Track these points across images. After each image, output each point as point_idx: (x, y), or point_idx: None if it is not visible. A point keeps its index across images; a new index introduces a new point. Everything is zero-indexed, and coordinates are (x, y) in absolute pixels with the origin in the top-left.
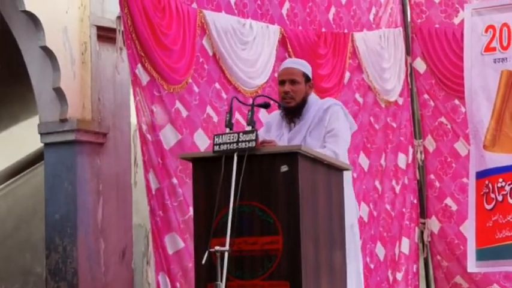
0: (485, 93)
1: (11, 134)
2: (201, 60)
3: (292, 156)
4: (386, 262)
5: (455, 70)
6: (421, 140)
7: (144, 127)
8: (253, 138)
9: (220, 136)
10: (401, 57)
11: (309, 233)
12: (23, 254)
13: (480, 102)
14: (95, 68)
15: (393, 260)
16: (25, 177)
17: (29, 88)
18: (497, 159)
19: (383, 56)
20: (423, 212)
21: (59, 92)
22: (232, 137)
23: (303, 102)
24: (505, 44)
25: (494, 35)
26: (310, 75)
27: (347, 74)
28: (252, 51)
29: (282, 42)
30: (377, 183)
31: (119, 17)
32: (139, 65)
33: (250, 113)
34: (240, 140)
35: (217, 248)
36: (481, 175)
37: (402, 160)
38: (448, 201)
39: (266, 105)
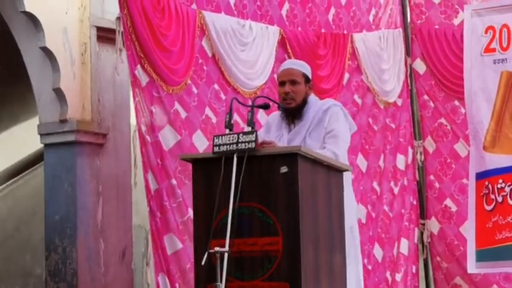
0: (485, 94)
1: (11, 134)
2: (200, 61)
3: (291, 157)
4: (384, 263)
5: (455, 71)
6: (421, 141)
7: (144, 128)
8: (253, 139)
9: (220, 137)
10: (401, 58)
11: (308, 234)
12: (23, 255)
13: (480, 103)
14: (95, 69)
15: (392, 261)
16: (25, 178)
17: (28, 89)
18: (497, 160)
19: (382, 57)
20: (423, 213)
21: (58, 93)
22: (232, 138)
23: (303, 103)
24: (504, 45)
25: (494, 36)
26: (309, 75)
27: (346, 75)
28: (252, 52)
29: (282, 43)
30: (375, 184)
31: (118, 18)
32: (138, 66)
33: (250, 114)
34: (240, 141)
35: (217, 249)
36: (481, 176)
37: (401, 161)
38: (448, 202)
39: (266, 106)
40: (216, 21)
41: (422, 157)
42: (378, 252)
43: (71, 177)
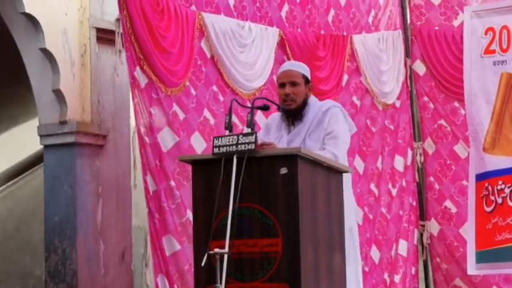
0: (485, 95)
1: (11, 136)
2: (199, 62)
3: (291, 159)
4: (382, 265)
5: (455, 72)
6: (421, 143)
7: (143, 129)
8: (253, 140)
9: (220, 138)
10: (401, 60)
11: (308, 236)
12: (22, 256)
13: (480, 105)
14: (95, 70)
15: (389, 262)
16: (25, 179)
17: (28, 90)
18: (497, 161)
19: (381, 59)
20: (422, 214)
21: (58, 94)
22: (231, 139)
23: (304, 104)
24: (504, 46)
25: (493, 38)
26: (309, 77)
27: (345, 77)
28: (251, 54)
29: (281, 44)
30: (372, 186)
31: (117, 19)
32: (137, 68)
33: (249, 115)
34: (240, 142)
35: (216, 250)
36: (481, 177)
37: (400, 163)
38: (448, 203)
39: (265, 107)
40: (216, 22)
41: (422, 158)
42: (375, 254)
43: (71, 178)
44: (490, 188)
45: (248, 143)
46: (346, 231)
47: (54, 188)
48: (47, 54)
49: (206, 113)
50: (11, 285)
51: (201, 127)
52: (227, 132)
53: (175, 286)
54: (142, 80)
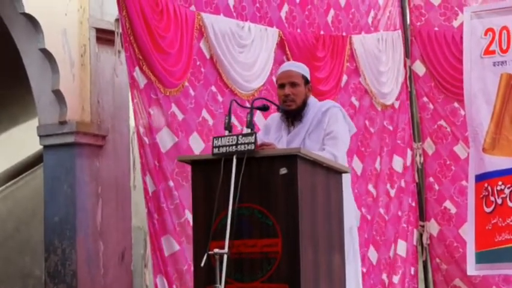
0: (484, 96)
1: (11, 136)
2: (198, 63)
3: (291, 159)
4: (379, 266)
5: (455, 73)
6: (420, 143)
7: (142, 130)
8: (252, 140)
9: (220, 139)
10: (400, 60)
11: (308, 236)
12: (22, 256)
13: (480, 105)
14: (94, 70)
15: (388, 263)
16: (24, 180)
17: (28, 90)
18: (496, 162)
19: (380, 59)
20: (422, 215)
21: (58, 95)
22: (231, 140)
23: (303, 104)
24: (504, 47)
25: (493, 38)
26: (308, 77)
27: (344, 77)
28: (250, 54)
29: (281, 45)
30: (370, 187)
31: (117, 20)
32: (137, 68)
33: (249, 116)
34: (239, 142)
35: (216, 250)
36: (481, 178)
37: (398, 163)
38: (447, 204)
39: (265, 108)
40: (215, 23)
41: (422, 159)
42: (372, 254)
43: (71, 178)
44: (489, 188)
45: (248, 144)
46: (345, 231)
47: (54, 189)
48: (47, 54)
49: (205, 113)
50: (10, 285)
51: (200, 128)
52: (227, 133)
53: (174, 286)
54: (142, 81)
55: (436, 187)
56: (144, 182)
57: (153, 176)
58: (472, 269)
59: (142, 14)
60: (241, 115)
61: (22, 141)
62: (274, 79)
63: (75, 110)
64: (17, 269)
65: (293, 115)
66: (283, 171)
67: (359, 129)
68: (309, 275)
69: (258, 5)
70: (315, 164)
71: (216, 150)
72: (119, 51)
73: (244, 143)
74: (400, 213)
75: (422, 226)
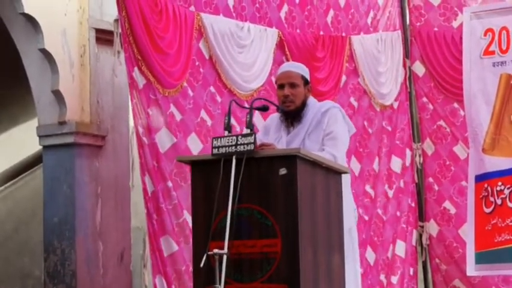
0: (484, 96)
1: (10, 136)
2: (197, 63)
3: (290, 159)
4: (377, 266)
5: (454, 73)
6: (420, 143)
7: (141, 130)
8: (252, 141)
9: (219, 139)
10: (399, 61)
11: (307, 236)
12: (21, 257)
13: (479, 106)
14: (94, 71)
15: (386, 263)
16: (24, 180)
17: (28, 91)
18: (496, 162)
19: (379, 60)
20: (422, 215)
21: (57, 95)
22: (230, 140)
23: (303, 105)
24: (504, 47)
25: (493, 39)
26: (308, 78)
27: (343, 78)
28: (249, 55)
29: (280, 45)
30: (368, 187)
31: (116, 20)
32: (136, 68)
33: (248, 116)
34: (239, 143)
35: (215, 251)
36: (480, 178)
37: (397, 164)
38: (447, 204)
39: (265, 108)
40: (214, 23)
41: (421, 159)
42: (370, 255)
43: (70, 179)
44: (489, 189)
45: (247, 144)
46: (345, 231)
47: (53, 189)
48: (46, 54)
49: (203, 114)
50: (10, 285)
51: (198, 128)
52: (226, 133)
53: (173, 287)
54: (141, 81)
55: (436, 187)
56: (143, 182)
57: (152, 176)
58: (471, 269)
59: (141, 14)
60: (240, 116)
61: (22, 141)
62: (273, 79)
63: (75, 111)
64: (16, 269)
65: (292, 116)
66: (282, 171)
67: (357, 129)
68: (309, 275)
69: (257, 5)
70: (315, 164)
71: (215, 151)
72: (118, 52)
73: (244, 144)
74: (398, 213)
75: (422, 226)
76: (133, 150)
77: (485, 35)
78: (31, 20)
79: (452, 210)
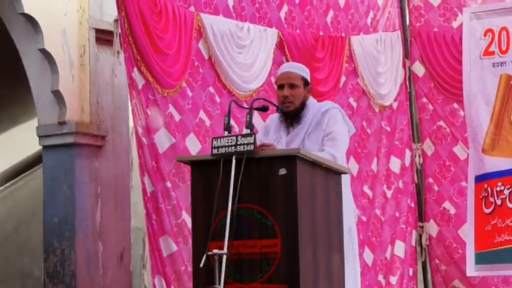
0: (484, 97)
1: (10, 136)
2: (196, 63)
3: (290, 160)
4: (375, 267)
5: (454, 74)
6: (420, 144)
7: (140, 130)
8: (252, 141)
9: (219, 139)
10: (399, 61)
11: (307, 236)
12: (21, 257)
13: (479, 106)
14: (94, 71)
15: (384, 264)
16: (24, 180)
17: (27, 91)
18: (496, 163)
19: (379, 60)
20: (421, 216)
21: (57, 95)
22: (230, 140)
23: (302, 106)
24: (503, 48)
25: (493, 39)
26: (308, 79)
27: (342, 78)
28: (249, 55)
29: (280, 45)
30: (366, 188)
31: (116, 20)
32: (135, 69)
33: (248, 116)
34: (239, 143)
35: (215, 251)
36: (480, 179)
37: (396, 164)
38: (447, 204)
39: (264, 108)
40: (214, 23)
41: (421, 160)
42: (368, 256)
43: (70, 179)
44: (489, 189)
45: (247, 144)
46: (345, 232)
47: (53, 189)
48: (46, 55)
49: (202, 114)
50: (10, 286)
51: (197, 128)
52: (226, 133)
53: (172, 287)
54: (140, 81)
55: (436, 188)
56: (143, 183)
57: (151, 176)
58: (471, 270)
59: (140, 14)
60: (239, 116)
61: (21, 141)
62: (272, 80)
63: (75, 111)
64: (16, 269)
65: (292, 116)
66: (282, 171)
67: (356, 130)
68: (308, 275)
69: (257, 5)
70: (314, 164)
71: (215, 151)
72: (118, 52)
73: (244, 144)
74: (397, 214)
75: (422, 227)
76: (133, 150)
77: (485, 35)
78: (31, 20)
79: (452, 211)
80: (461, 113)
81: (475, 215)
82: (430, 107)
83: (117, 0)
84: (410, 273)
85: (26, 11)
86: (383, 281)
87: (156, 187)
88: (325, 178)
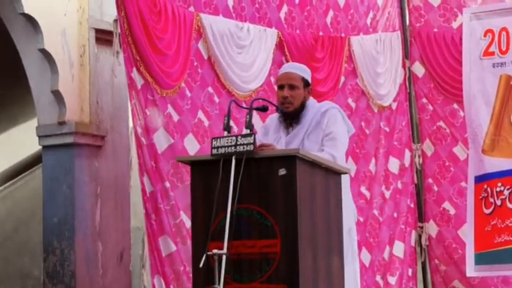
0: (484, 97)
1: (10, 136)
2: (195, 64)
3: (290, 160)
4: (373, 267)
5: (454, 74)
6: (419, 144)
7: (139, 130)
8: (251, 141)
9: (219, 139)
10: (398, 62)
11: (306, 237)
12: (21, 257)
13: (479, 107)
14: (93, 71)
15: (382, 264)
16: (23, 180)
17: (27, 91)
18: (496, 163)
19: (378, 61)
20: (421, 216)
21: (57, 95)
22: (230, 140)
23: (302, 106)
24: (503, 48)
25: (493, 39)
26: (309, 79)
27: (342, 78)
28: (248, 55)
29: (279, 45)
30: (363, 189)
31: (115, 20)
32: (134, 69)
33: (248, 116)
34: (238, 143)
35: (215, 251)
36: (480, 179)
37: (395, 165)
38: (446, 205)
39: (264, 109)
40: (214, 23)
41: (421, 160)
42: (365, 256)
43: (69, 179)
44: (489, 189)
45: (247, 144)
46: (344, 232)
47: (53, 189)
48: (46, 55)
49: (200, 114)
50: (9, 285)
51: (195, 129)
52: (226, 133)
53: (172, 287)
54: (139, 81)
55: (435, 188)
56: (142, 183)
57: (151, 176)
58: (471, 270)
59: (140, 15)
60: (238, 117)
61: (21, 141)
62: (272, 80)
63: (74, 111)
64: (16, 269)
65: (291, 117)
66: (282, 172)
67: (355, 130)
68: (308, 275)
69: (257, 5)
70: (314, 164)
71: (215, 151)
72: (118, 52)
73: (243, 144)
74: (396, 214)
75: (421, 227)
76: (133, 150)
77: (485, 35)
78: (31, 20)
79: (452, 211)
80: (461, 113)
81: (474, 216)
82: (430, 107)
83: (117, 0)
84: (410, 274)
85: (26, 11)
86: (381, 282)
87: (155, 187)
88: (325, 178)
